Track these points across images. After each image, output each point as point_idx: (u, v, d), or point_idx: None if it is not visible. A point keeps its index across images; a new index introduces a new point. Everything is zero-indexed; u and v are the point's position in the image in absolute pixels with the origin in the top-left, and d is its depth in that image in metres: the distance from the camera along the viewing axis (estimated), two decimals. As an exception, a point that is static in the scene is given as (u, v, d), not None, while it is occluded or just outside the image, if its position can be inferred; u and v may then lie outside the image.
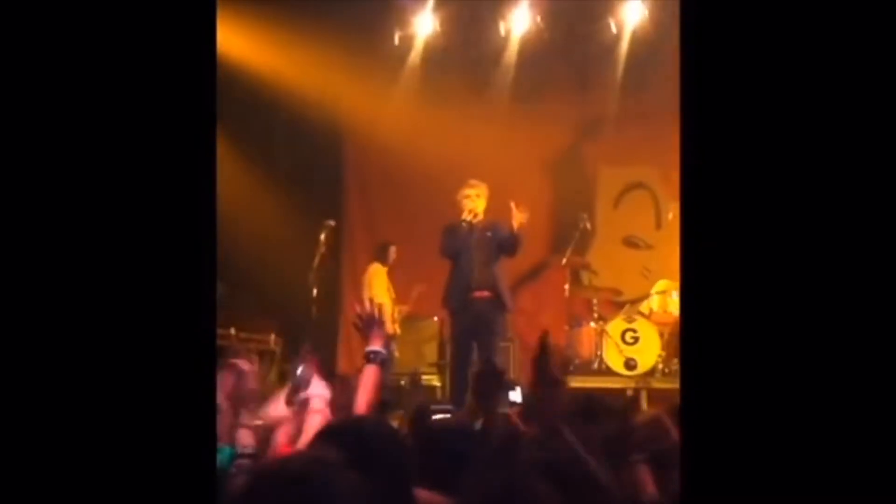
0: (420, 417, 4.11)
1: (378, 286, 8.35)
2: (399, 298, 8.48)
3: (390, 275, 8.50)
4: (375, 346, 3.23)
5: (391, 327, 8.04)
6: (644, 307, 8.60)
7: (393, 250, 8.62)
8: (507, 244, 6.96)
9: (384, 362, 3.25)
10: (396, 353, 8.20)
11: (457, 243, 6.95)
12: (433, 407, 4.24)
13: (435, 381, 8.44)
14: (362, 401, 3.08)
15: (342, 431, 2.22)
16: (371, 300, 3.47)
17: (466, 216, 6.93)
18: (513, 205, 6.80)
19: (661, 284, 8.50)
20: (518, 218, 6.78)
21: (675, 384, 6.95)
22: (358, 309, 3.34)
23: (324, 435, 2.22)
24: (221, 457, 2.83)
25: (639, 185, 9.70)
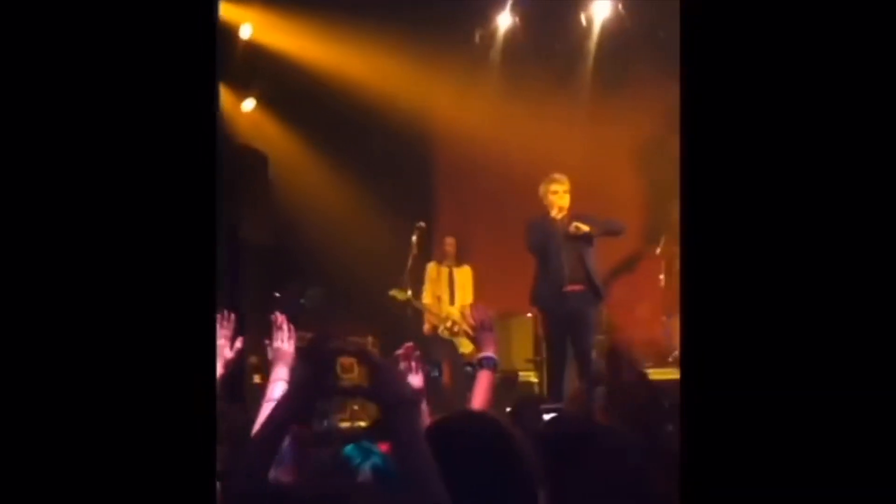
0: (524, 412, 4.13)
1: (462, 286, 8.30)
2: (482, 297, 8.47)
3: (475, 273, 8.48)
4: (488, 351, 3.36)
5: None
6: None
7: (449, 243, 8.35)
8: (607, 235, 7.00)
9: (496, 367, 3.37)
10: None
11: (544, 238, 6.92)
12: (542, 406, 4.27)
13: (532, 378, 8.42)
14: (478, 406, 3.19)
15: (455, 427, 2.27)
16: (476, 307, 3.60)
17: (556, 213, 6.90)
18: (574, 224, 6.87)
19: None
20: (579, 229, 6.87)
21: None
22: (470, 318, 3.51)
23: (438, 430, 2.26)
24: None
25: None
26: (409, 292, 8.05)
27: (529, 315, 8.39)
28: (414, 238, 8.06)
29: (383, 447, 2.90)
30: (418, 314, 8.19)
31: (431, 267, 8.23)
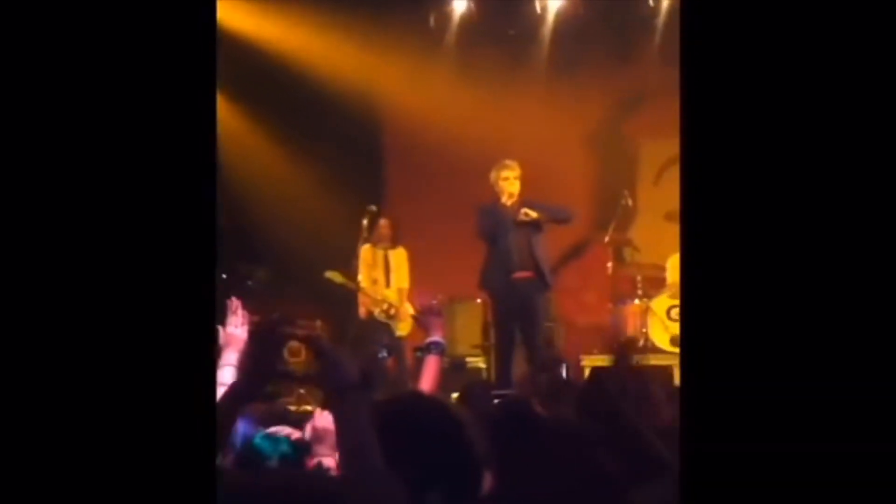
0: (472, 396, 4.15)
1: (398, 269, 8.19)
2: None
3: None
4: (436, 336, 3.38)
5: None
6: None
7: (384, 225, 8.16)
8: (555, 223, 7.00)
9: (444, 352, 3.42)
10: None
11: (494, 224, 6.94)
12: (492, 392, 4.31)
13: (480, 363, 8.45)
14: (425, 390, 3.20)
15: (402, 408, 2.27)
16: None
17: (506, 199, 6.92)
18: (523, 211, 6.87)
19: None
20: (528, 215, 6.86)
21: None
22: (417, 302, 3.55)
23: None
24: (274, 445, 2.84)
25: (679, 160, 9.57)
26: (344, 275, 7.96)
27: (479, 300, 8.41)
28: (365, 222, 8.01)
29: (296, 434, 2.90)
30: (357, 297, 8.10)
31: (366, 249, 8.08)
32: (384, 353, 7.76)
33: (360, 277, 8.04)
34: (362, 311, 8.04)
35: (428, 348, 3.41)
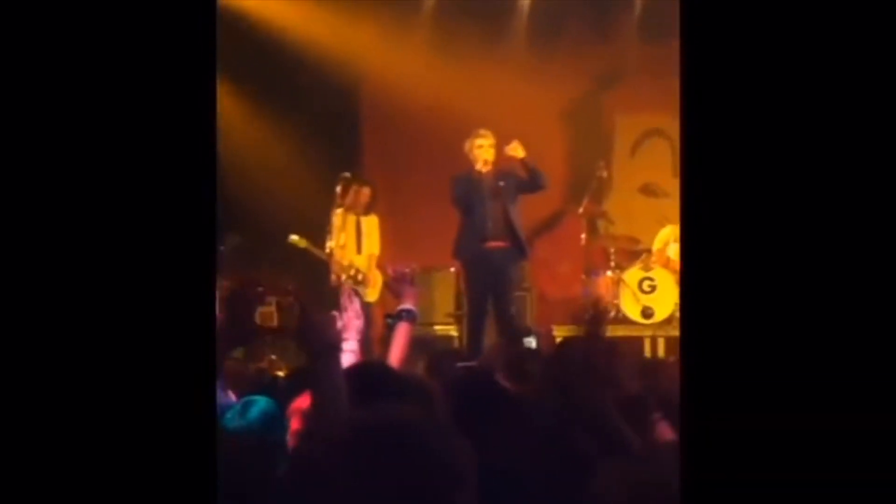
0: (439, 366, 4.16)
1: (369, 235, 8.15)
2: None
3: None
4: (408, 304, 3.35)
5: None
6: (669, 251, 8.55)
7: (363, 193, 8.06)
8: (531, 183, 6.96)
9: (415, 320, 3.40)
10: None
11: (468, 193, 6.94)
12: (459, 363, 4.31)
13: (452, 332, 8.47)
14: (395, 358, 3.21)
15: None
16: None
17: (481, 167, 6.91)
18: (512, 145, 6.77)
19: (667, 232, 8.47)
20: (516, 150, 6.77)
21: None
22: (389, 269, 3.52)
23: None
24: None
25: (656, 133, 9.61)
26: (308, 241, 7.91)
27: (452, 269, 8.42)
28: (338, 188, 7.97)
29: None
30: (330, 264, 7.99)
31: (338, 214, 8.00)
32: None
33: (331, 243, 7.99)
34: (333, 278, 7.99)
35: (399, 316, 3.41)
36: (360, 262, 8.06)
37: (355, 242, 8.11)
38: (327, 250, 7.96)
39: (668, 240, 8.47)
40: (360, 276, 7.97)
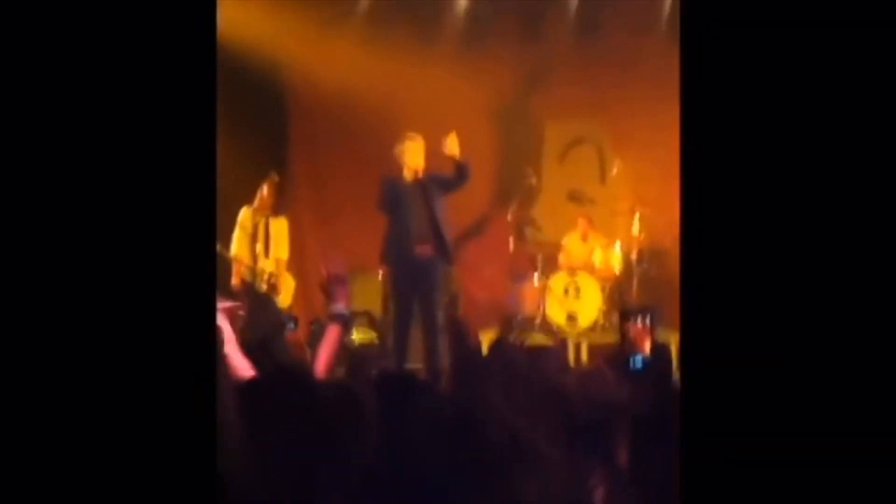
0: (359, 369, 4.12)
1: (276, 238, 7.85)
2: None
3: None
4: (340, 306, 3.29)
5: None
6: (594, 258, 8.62)
7: (264, 189, 7.74)
8: (455, 178, 6.92)
9: (347, 322, 3.36)
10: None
11: (396, 196, 6.91)
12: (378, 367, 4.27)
13: (377, 339, 8.42)
14: (323, 360, 3.16)
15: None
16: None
17: (408, 174, 6.88)
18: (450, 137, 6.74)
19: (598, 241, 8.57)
20: (452, 146, 6.74)
21: (614, 338, 7.02)
22: (323, 270, 3.45)
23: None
24: None
25: (584, 140, 9.69)
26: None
27: (379, 273, 8.37)
28: (265, 190, 7.83)
29: None
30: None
31: (245, 215, 7.73)
32: (291, 325, 7.61)
33: (234, 244, 7.70)
34: (235, 281, 7.67)
35: (331, 318, 3.34)
36: (269, 265, 7.77)
37: (263, 245, 7.77)
38: (231, 252, 7.68)
39: (593, 247, 8.56)
40: (272, 280, 7.77)
